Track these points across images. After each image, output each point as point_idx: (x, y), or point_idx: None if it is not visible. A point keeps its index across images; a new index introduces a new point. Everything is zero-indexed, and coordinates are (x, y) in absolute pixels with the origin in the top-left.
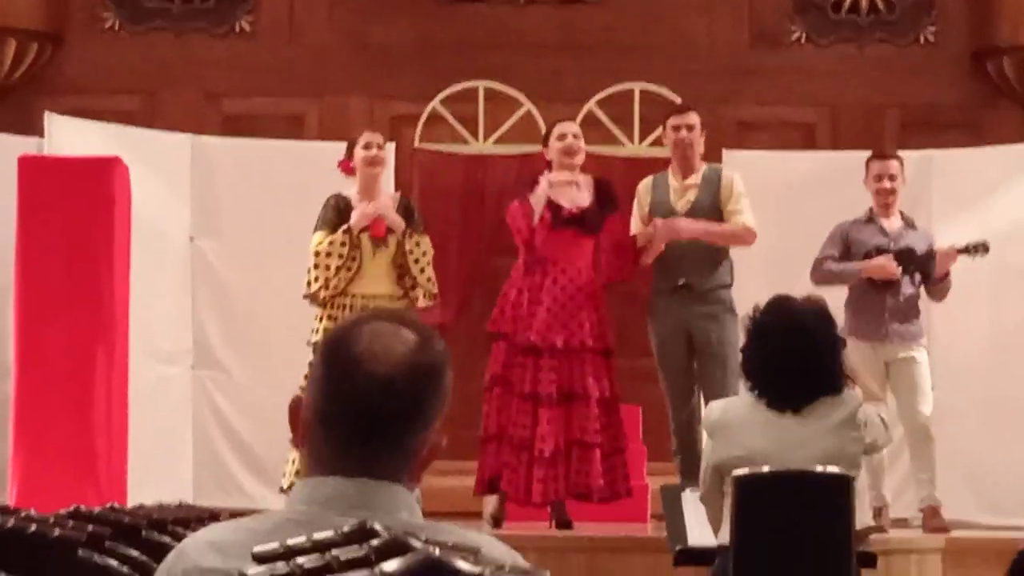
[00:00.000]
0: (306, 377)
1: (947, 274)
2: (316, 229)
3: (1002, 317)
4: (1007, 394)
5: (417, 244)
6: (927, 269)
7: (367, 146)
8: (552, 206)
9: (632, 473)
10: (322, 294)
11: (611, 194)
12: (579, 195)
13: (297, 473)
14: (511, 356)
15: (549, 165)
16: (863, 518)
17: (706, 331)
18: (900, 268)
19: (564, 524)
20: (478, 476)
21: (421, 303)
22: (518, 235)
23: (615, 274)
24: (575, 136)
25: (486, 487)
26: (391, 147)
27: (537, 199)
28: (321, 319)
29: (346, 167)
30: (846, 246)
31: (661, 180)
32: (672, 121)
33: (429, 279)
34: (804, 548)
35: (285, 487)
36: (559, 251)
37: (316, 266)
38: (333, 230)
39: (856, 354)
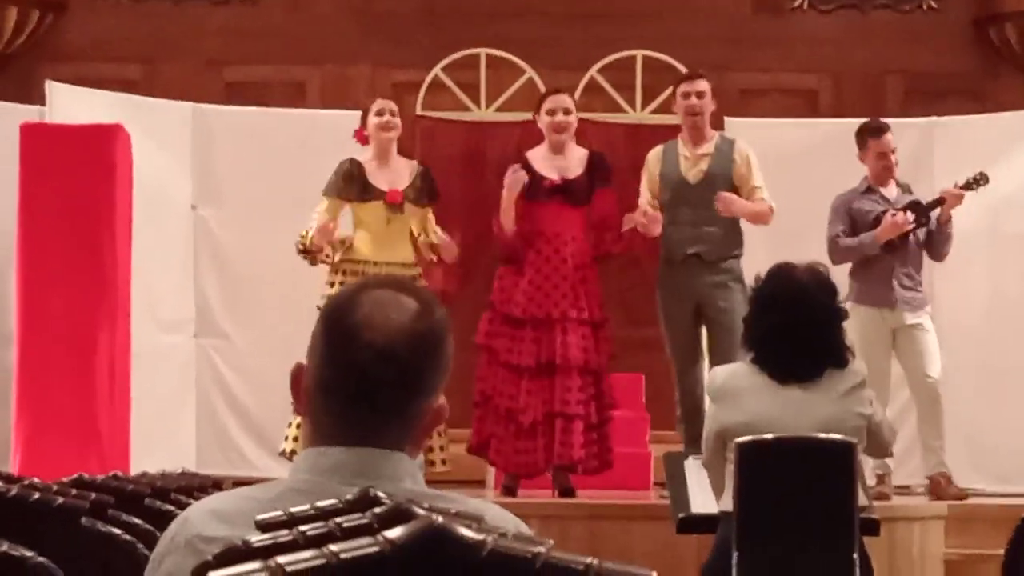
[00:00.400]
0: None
1: (950, 218)
2: (324, 192)
3: (1001, 284)
4: (1006, 361)
5: (427, 216)
6: (935, 215)
7: (380, 112)
8: (535, 178)
9: (635, 441)
10: (311, 251)
11: (604, 168)
12: (567, 166)
13: (296, 439)
14: (494, 325)
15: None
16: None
17: (715, 300)
18: (912, 217)
19: (566, 492)
20: (471, 439)
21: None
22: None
23: (601, 248)
24: (565, 111)
25: (476, 449)
26: None
27: (514, 182)
28: (333, 284)
29: (360, 136)
30: (851, 219)
31: (671, 149)
32: (682, 88)
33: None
34: (807, 515)
35: (287, 452)
36: (544, 223)
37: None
38: (339, 197)
39: (865, 321)
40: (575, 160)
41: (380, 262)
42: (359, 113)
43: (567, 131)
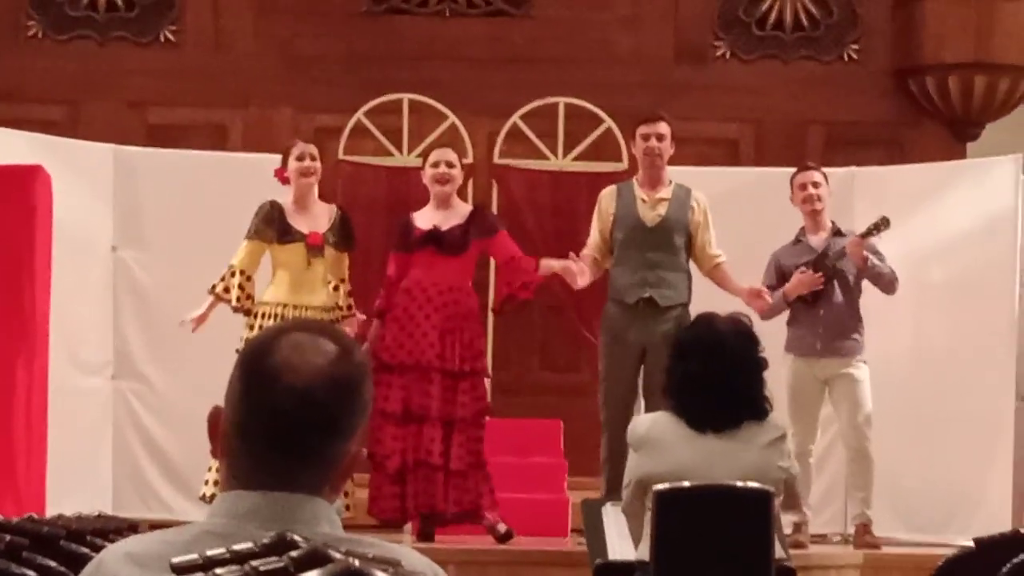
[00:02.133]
0: None
1: (866, 260)
2: (246, 236)
3: (925, 334)
4: (929, 411)
5: (341, 261)
6: (845, 266)
7: (300, 157)
8: (409, 230)
9: (553, 487)
10: (227, 297)
11: (484, 219)
12: (445, 220)
13: (216, 483)
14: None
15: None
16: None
17: (663, 349)
18: (819, 275)
19: (426, 536)
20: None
21: (346, 312)
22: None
23: (512, 290)
24: (448, 164)
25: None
26: None
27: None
28: (252, 328)
29: (281, 176)
30: (780, 273)
31: (626, 190)
32: (642, 129)
33: (349, 293)
34: (724, 563)
35: (207, 496)
36: (417, 272)
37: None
38: (259, 239)
39: (794, 370)
40: (456, 214)
41: (299, 305)
42: (281, 156)
43: (450, 183)
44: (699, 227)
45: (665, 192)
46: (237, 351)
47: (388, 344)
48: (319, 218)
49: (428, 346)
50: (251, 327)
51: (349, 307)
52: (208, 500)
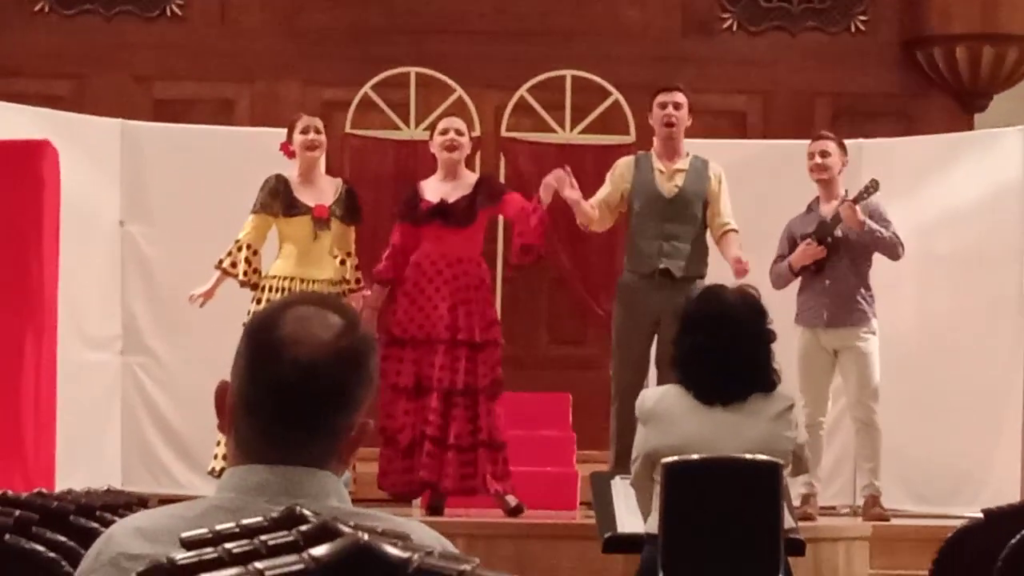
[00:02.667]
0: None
1: (863, 224)
2: (252, 210)
3: (929, 305)
4: (934, 383)
5: (347, 234)
6: (847, 234)
7: (305, 130)
8: (415, 203)
9: (562, 460)
10: (233, 272)
11: (491, 187)
12: (452, 191)
13: (225, 457)
14: (381, 347)
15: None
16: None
17: (675, 320)
18: (820, 245)
19: (435, 510)
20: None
21: (354, 286)
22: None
23: (518, 243)
24: (457, 132)
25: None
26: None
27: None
28: (260, 302)
29: (286, 150)
30: (792, 242)
31: (644, 161)
32: (659, 99)
33: (357, 267)
34: (732, 535)
35: (216, 470)
36: (426, 244)
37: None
38: (265, 213)
39: (803, 342)
40: (463, 185)
41: (306, 279)
42: (286, 129)
43: (458, 150)
44: (714, 196)
45: (682, 163)
46: (244, 325)
47: (399, 318)
48: (325, 191)
49: (438, 319)
50: (258, 301)
51: (357, 280)
52: (217, 474)
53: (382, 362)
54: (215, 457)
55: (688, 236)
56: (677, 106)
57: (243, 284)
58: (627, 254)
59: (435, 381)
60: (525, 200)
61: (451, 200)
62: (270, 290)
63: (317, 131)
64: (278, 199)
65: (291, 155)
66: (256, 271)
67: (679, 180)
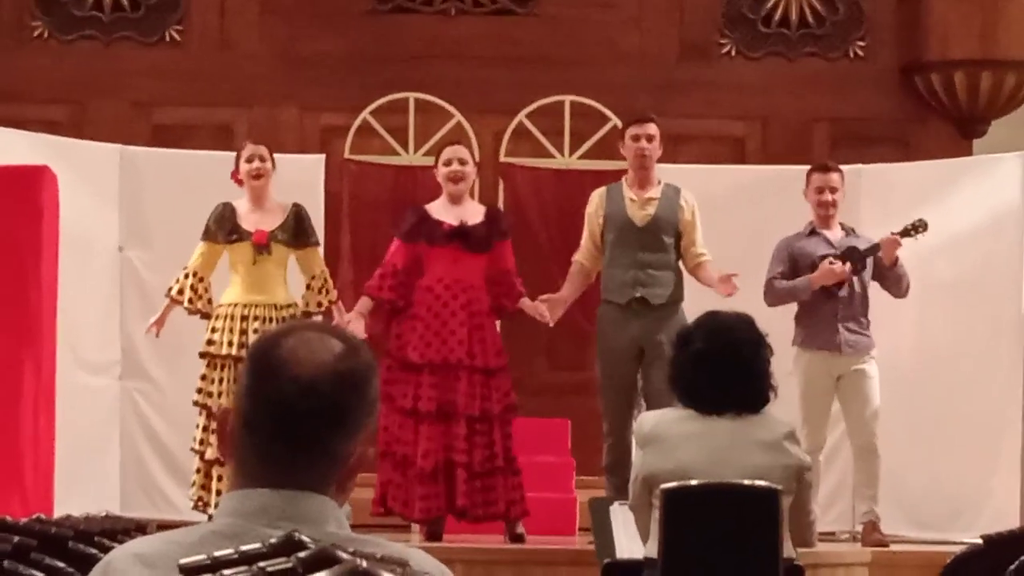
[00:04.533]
0: (199, 390)
1: (896, 260)
2: (200, 238)
3: (928, 331)
4: (933, 408)
5: (307, 257)
6: (874, 261)
7: (250, 159)
8: (432, 223)
9: (561, 486)
10: (180, 299)
11: (500, 221)
12: (464, 216)
13: (202, 487)
14: (392, 372)
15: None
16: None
17: (658, 346)
18: (847, 266)
19: (435, 536)
20: (375, 494)
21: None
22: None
23: (499, 303)
24: (461, 162)
25: (379, 506)
26: (320, 158)
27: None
28: (213, 330)
29: (235, 178)
30: (792, 261)
31: (615, 190)
32: (632, 131)
33: (323, 288)
34: (731, 562)
35: (192, 498)
36: (443, 268)
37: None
38: (210, 240)
39: (809, 366)
40: (473, 211)
41: (250, 304)
42: (287, 156)
43: (464, 181)
44: (688, 226)
45: (654, 192)
46: (200, 354)
47: (416, 343)
48: (271, 216)
49: (457, 343)
50: (212, 330)
51: (331, 302)
52: (195, 505)
53: (394, 386)
54: (192, 485)
55: (662, 264)
56: (650, 138)
57: (190, 312)
58: (603, 284)
59: (460, 407)
60: (513, 260)
61: (469, 224)
62: (218, 318)
63: (262, 159)
64: (222, 227)
65: (240, 183)
66: (201, 298)
67: (651, 208)
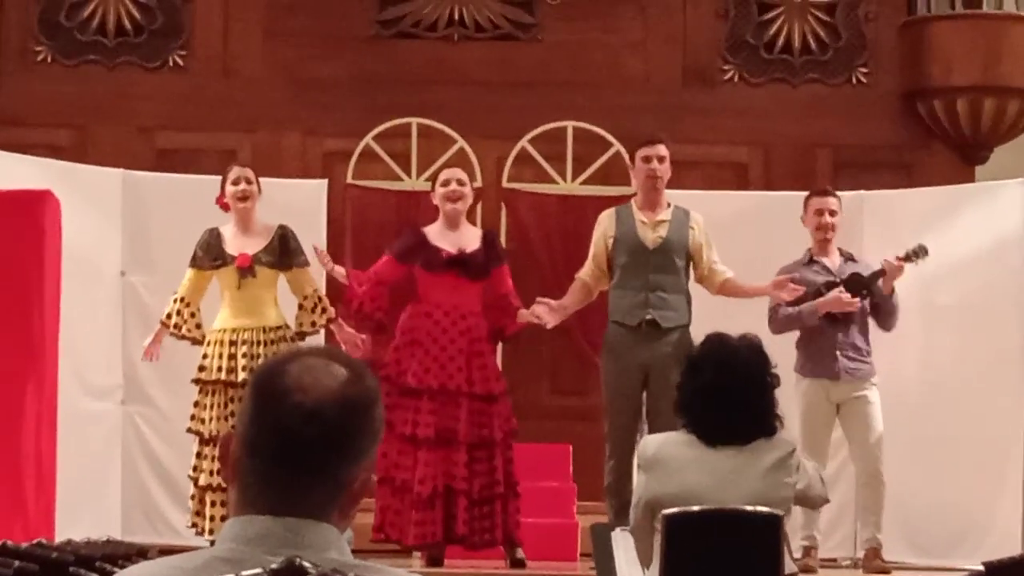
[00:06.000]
0: (192, 417)
1: (893, 290)
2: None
3: (931, 356)
4: (936, 434)
5: (296, 278)
6: (878, 289)
7: (236, 181)
8: (431, 250)
9: (562, 511)
10: (168, 324)
11: (497, 247)
12: (462, 242)
13: (196, 513)
14: (392, 398)
15: (437, 210)
16: (791, 559)
17: (666, 371)
18: (854, 297)
19: (435, 562)
20: (373, 522)
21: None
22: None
23: (497, 327)
24: (459, 182)
25: (378, 532)
26: (323, 183)
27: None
28: (205, 356)
29: (221, 202)
30: None
31: (625, 212)
32: (643, 152)
33: (317, 308)
34: None
35: (190, 524)
36: (441, 295)
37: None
38: (197, 266)
39: (808, 393)
40: (470, 236)
41: (238, 328)
42: (290, 181)
43: (461, 200)
44: (701, 247)
45: (664, 214)
46: (192, 381)
47: (415, 369)
48: (256, 239)
49: (456, 370)
50: (204, 356)
51: (330, 320)
52: (198, 531)
53: (393, 412)
54: (188, 511)
55: (673, 286)
56: (660, 159)
57: (178, 338)
58: (612, 306)
59: (461, 435)
60: (510, 285)
61: (467, 251)
62: (209, 343)
63: (248, 181)
64: (208, 252)
65: (225, 208)
66: (187, 323)
67: (662, 231)
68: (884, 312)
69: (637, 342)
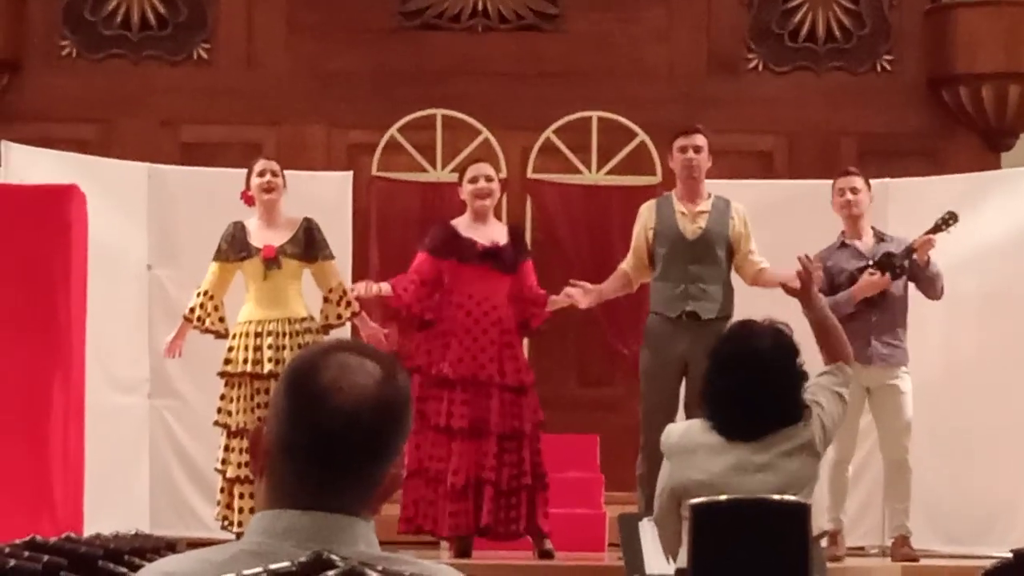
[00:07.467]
0: (219, 410)
1: (929, 260)
2: (213, 258)
3: (956, 344)
4: (961, 422)
5: (321, 271)
6: (913, 263)
7: (261, 173)
8: (465, 242)
9: (590, 502)
10: (191, 318)
11: (523, 241)
12: (491, 235)
13: (227, 505)
14: (425, 389)
15: (464, 205)
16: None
17: (703, 362)
18: (887, 275)
19: (464, 552)
20: (401, 514)
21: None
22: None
23: (525, 320)
24: (487, 179)
25: (409, 524)
26: (348, 176)
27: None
28: (231, 349)
29: (246, 196)
30: (828, 276)
31: (665, 204)
32: (679, 142)
33: (342, 301)
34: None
35: (217, 516)
36: (474, 286)
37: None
38: (222, 259)
39: None
40: (498, 230)
41: (263, 320)
42: (314, 174)
43: (489, 197)
44: (741, 237)
45: (704, 205)
46: (218, 374)
47: (451, 359)
48: (281, 231)
49: (488, 361)
50: (229, 348)
51: (354, 314)
52: (223, 525)
53: (427, 403)
54: (217, 504)
55: (713, 277)
56: (698, 149)
57: (202, 332)
58: (652, 297)
59: (492, 425)
60: (534, 277)
61: (500, 244)
62: (234, 336)
63: (274, 173)
64: (233, 245)
65: (250, 201)
66: (211, 316)
67: (702, 221)
68: (925, 281)
69: (677, 333)
